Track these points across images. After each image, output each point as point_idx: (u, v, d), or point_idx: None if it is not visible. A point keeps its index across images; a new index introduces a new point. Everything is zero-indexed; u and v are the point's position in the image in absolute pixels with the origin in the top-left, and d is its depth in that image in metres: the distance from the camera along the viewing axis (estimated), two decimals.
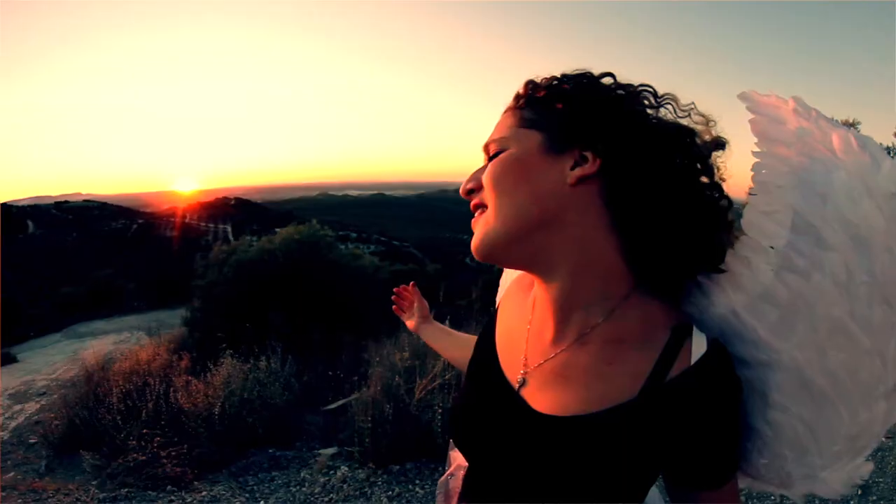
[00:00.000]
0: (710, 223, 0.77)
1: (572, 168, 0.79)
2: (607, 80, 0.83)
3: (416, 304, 1.59)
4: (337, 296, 8.43)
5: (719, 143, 0.81)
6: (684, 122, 0.81)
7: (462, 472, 1.03)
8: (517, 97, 0.88)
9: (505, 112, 0.88)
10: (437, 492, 1.14)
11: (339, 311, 8.34)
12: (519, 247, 0.81)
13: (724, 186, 0.80)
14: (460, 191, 0.89)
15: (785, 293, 0.71)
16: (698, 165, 0.79)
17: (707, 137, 0.81)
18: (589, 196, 0.78)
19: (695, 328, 0.77)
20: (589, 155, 0.78)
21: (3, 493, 4.48)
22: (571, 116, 0.80)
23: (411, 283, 1.63)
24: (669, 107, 0.82)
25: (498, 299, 1.21)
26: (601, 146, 0.78)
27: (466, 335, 1.44)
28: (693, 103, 0.82)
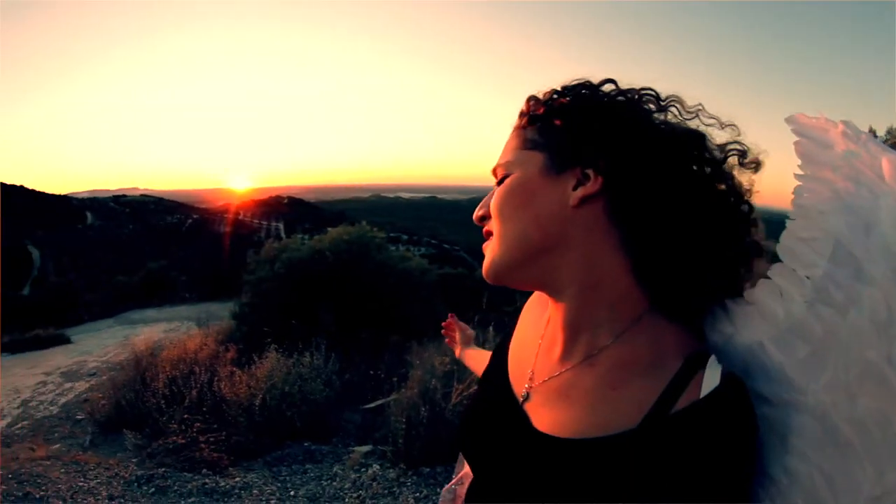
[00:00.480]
0: (727, 235, 0.73)
1: (574, 188, 0.75)
2: (608, 87, 0.78)
3: (458, 334, 1.60)
4: (384, 296, 8.47)
5: (737, 147, 0.75)
6: (693, 124, 0.76)
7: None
8: (521, 115, 0.84)
9: (512, 132, 0.85)
10: (441, 499, 1.11)
11: (385, 312, 8.38)
12: (523, 272, 0.80)
13: (745, 191, 0.75)
14: (473, 217, 0.87)
15: (818, 328, 0.64)
16: (712, 171, 0.74)
17: (720, 141, 0.76)
18: (593, 215, 0.74)
19: (711, 358, 0.70)
20: (590, 173, 0.74)
21: (48, 462, 4.64)
22: (569, 133, 0.76)
23: (450, 315, 1.66)
24: (674, 109, 0.77)
25: None
26: (602, 162, 0.73)
27: None
28: (700, 104, 0.77)
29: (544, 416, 0.79)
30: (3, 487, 4.04)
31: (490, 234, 0.83)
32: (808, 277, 0.65)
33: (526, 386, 0.85)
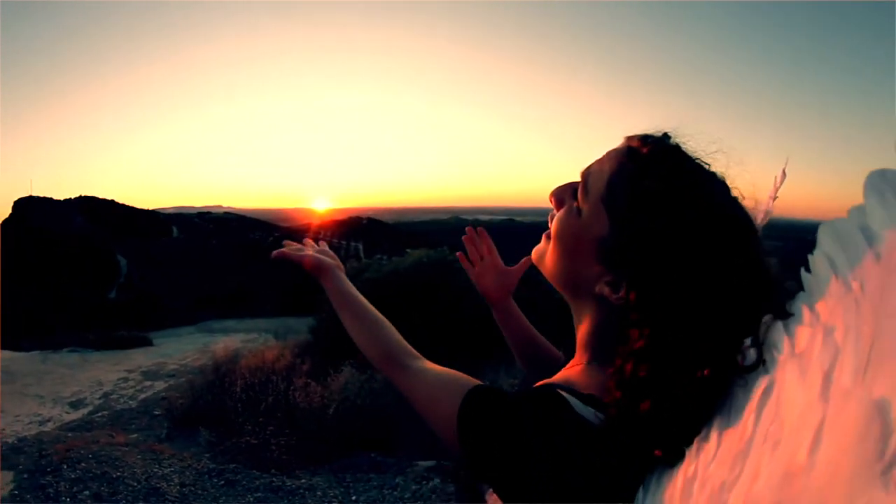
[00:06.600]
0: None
1: (607, 283, 0.70)
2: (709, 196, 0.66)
3: (489, 259, 1.19)
4: (462, 319, 8.44)
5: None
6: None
7: None
8: (626, 153, 0.73)
9: (613, 154, 0.74)
10: None
11: (463, 334, 8.35)
12: (561, 291, 0.81)
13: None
14: (549, 196, 0.81)
15: None
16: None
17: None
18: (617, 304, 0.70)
19: None
20: (623, 289, 0.68)
21: (126, 449, 4.81)
22: (631, 238, 0.67)
23: (479, 227, 1.23)
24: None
25: None
26: (644, 298, 0.65)
27: (549, 349, 1.19)
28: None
29: None
30: (83, 465, 4.22)
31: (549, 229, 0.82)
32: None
33: None
